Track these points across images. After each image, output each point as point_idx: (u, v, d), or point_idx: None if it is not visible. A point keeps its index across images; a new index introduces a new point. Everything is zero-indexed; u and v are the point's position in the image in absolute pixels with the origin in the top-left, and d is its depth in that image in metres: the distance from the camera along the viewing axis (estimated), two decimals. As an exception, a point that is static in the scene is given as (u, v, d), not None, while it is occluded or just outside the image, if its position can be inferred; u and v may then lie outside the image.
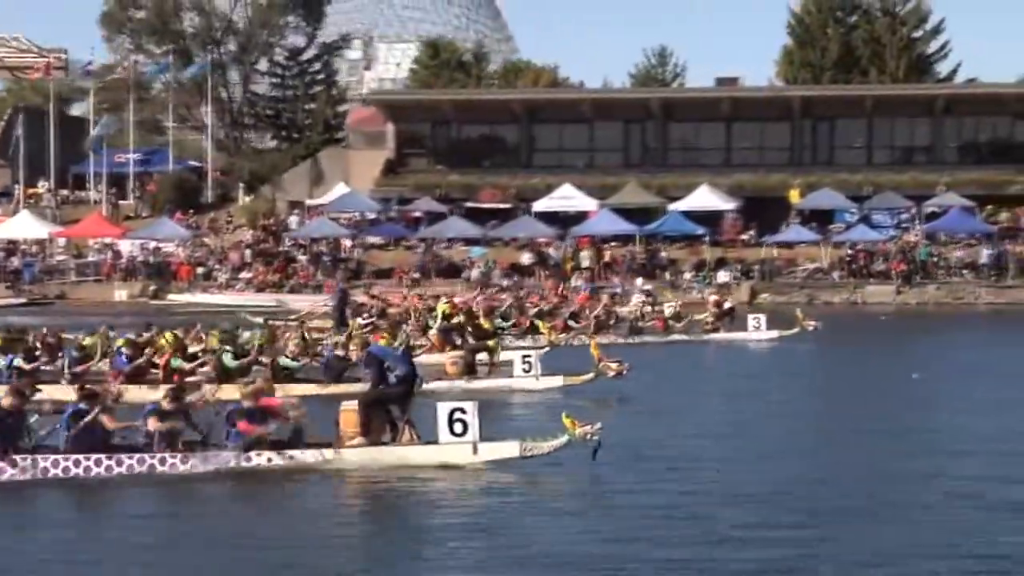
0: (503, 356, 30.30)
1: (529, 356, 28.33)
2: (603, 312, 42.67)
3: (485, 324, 31.69)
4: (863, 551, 13.57)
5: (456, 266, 66.10)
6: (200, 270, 67.63)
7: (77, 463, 17.65)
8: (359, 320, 38.36)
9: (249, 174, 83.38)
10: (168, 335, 28.40)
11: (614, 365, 26.41)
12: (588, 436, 17.25)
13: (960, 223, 67.63)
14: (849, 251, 65.85)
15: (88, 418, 18.00)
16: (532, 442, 17.83)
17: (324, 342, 31.08)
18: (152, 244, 69.09)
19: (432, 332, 33.38)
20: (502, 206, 72.76)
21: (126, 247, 69.84)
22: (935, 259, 63.67)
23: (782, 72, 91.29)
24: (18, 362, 26.85)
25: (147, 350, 27.82)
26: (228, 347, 27.51)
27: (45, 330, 30.62)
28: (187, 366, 26.79)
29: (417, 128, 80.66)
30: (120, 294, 64.55)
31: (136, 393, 23.82)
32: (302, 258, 68.23)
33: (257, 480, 17.62)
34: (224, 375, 26.05)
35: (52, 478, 17.55)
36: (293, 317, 41.65)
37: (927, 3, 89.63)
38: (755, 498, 16.26)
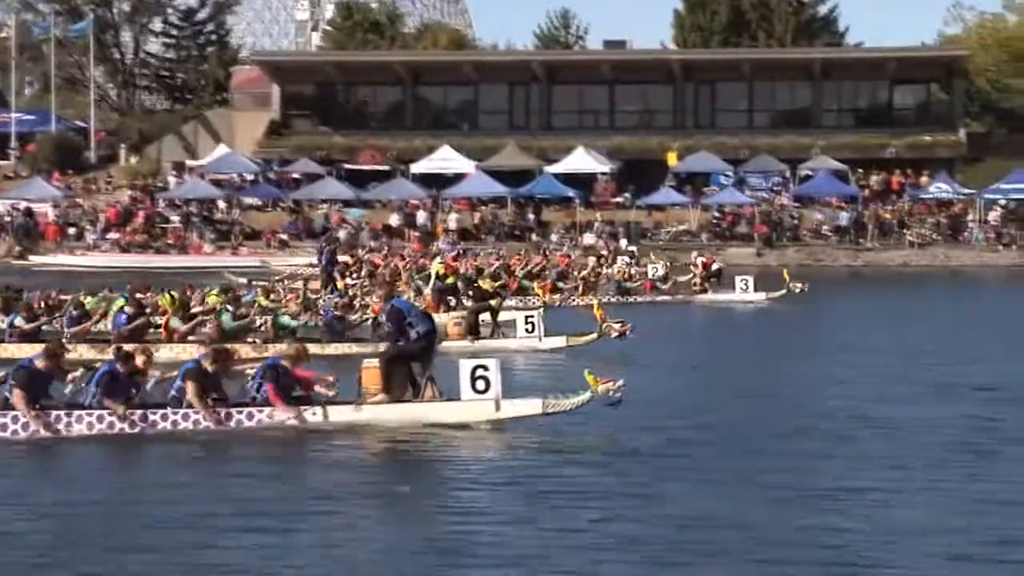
0: (502, 317, 30.22)
1: (532, 317, 28.18)
2: (592, 273, 42.75)
3: (485, 285, 31.89)
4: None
5: (325, 227, 66.18)
6: (72, 231, 67.46)
7: (101, 419, 17.61)
8: (348, 280, 38.21)
9: (139, 135, 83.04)
10: (166, 295, 28.39)
11: (617, 326, 26.31)
12: (611, 392, 17.12)
13: (828, 187, 68.40)
14: (716, 214, 66.48)
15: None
16: (554, 399, 17.62)
17: (321, 302, 31.04)
18: (23, 204, 68.79)
19: (427, 292, 33.55)
20: (381, 168, 72.96)
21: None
22: (795, 221, 64.35)
23: (676, 36, 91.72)
24: (19, 321, 26.42)
25: (148, 310, 27.58)
26: (229, 307, 27.47)
27: (50, 290, 30.62)
28: (184, 327, 26.40)
29: (302, 90, 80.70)
30: (-12, 253, 64.40)
31: None
32: (175, 219, 68.18)
33: (280, 438, 17.52)
34: (224, 335, 25.58)
35: (79, 435, 17.51)
36: (276, 278, 41.28)
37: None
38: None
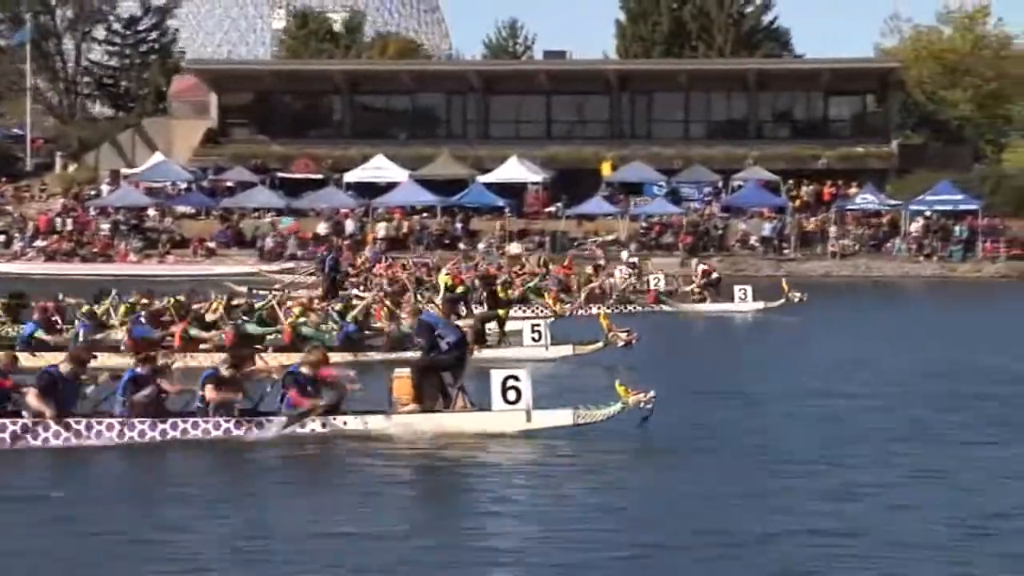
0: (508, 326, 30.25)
1: (539, 325, 28.13)
2: (596, 285, 42.54)
3: (501, 294, 31.99)
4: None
5: (254, 237, 66.33)
6: (1, 238, 67.40)
7: (131, 427, 17.68)
8: (354, 291, 37.77)
9: (79, 142, 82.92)
10: (171, 302, 28.54)
11: (623, 335, 26.34)
12: (641, 404, 17.24)
13: (756, 198, 68.74)
14: (643, 224, 66.78)
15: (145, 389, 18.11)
16: (585, 410, 17.71)
17: (330, 310, 30.91)
18: (-48, 212, 68.71)
19: (437, 302, 33.07)
20: (314, 176, 73.04)
21: (-70, 215, 69.45)
22: (719, 231, 64.69)
23: (618, 46, 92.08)
24: (39, 333, 26.45)
25: (164, 318, 27.79)
26: (246, 316, 27.57)
27: (61, 297, 30.65)
28: (203, 335, 26.47)
29: (240, 98, 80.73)
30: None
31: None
32: (105, 226, 68.13)
33: (309, 446, 17.61)
34: (243, 342, 25.80)
35: (107, 443, 17.58)
36: (277, 287, 41.13)
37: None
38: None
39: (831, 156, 74.07)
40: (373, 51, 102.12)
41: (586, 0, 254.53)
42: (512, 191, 70.96)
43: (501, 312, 30.60)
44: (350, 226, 66.97)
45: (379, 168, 72.45)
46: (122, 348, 25.47)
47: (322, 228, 66.40)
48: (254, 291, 37.37)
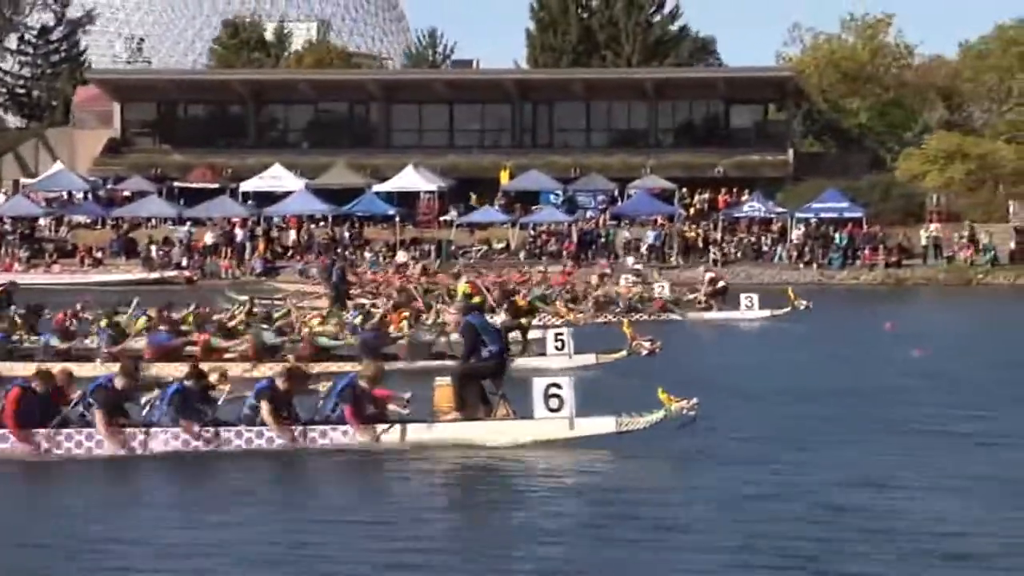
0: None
1: (561, 334, 28.17)
2: (602, 293, 42.81)
3: (521, 303, 32.16)
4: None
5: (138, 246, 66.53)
6: None
7: (176, 436, 17.79)
8: (362, 300, 37.71)
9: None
10: (189, 314, 28.73)
11: (647, 343, 26.27)
12: (684, 411, 17.21)
13: (646, 206, 69.20)
14: (532, 232, 67.19)
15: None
16: (628, 417, 17.62)
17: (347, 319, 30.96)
18: None
19: (453, 311, 33.69)
20: (212, 186, 73.14)
21: None
22: (603, 239, 65.15)
23: (528, 55, 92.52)
24: (54, 341, 26.48)
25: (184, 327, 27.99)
26: (264, 325, 27.64)
27: (79, 307, 30.95)
28: (225, 343, 26.52)
29: (143, 108, 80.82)
30: None
31: (165, 371, 23.43)
32: (-3, 237, 68.14)
33: (354, 456, 17.66)
34: (261, 353, 26.03)
35: (156, 454, 17.74)
36: (279, 296, 40.84)
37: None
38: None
39: (727, 164, 74.65)
40: (290, 60, 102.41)
41: (502, 9, 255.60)
42: (407, 200, 71.31)
43: (524, 321, 30.66)
44: (240, 235, 67.08)
45: (276, 177, 72.54)
46: (143, 356, 25.50)
47: (208, 237, 66.48)
48: (256, 300, 37.60)
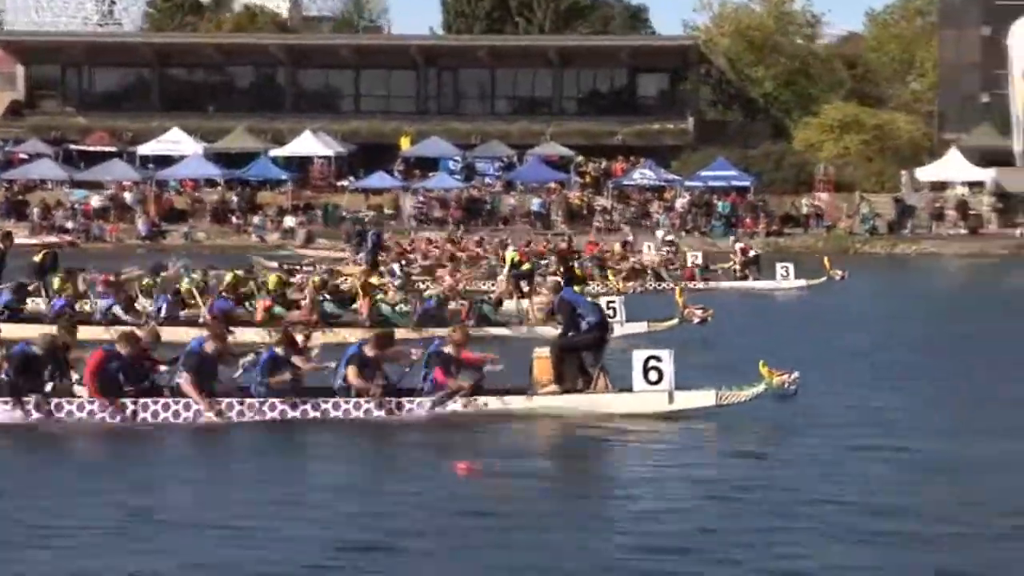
0: None
1: (613, 302, 27.57)
2: (637, 262, 42.90)
3: (578, 271, 32.39)
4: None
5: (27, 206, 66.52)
6: None
7: (272, 407, 17.60)
8: (394, 266, 37.65)
9: None
10: (272, 277, 28.91)
11: (699, 312, 26.01)
12: (786, 384, 17.16)
13: (539, 173, 69.42)
14: (421, 198, 67.33)
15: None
16: (729, 391, 17.53)
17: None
18: None
19: (501, 278, 34.43)
20: (109, 149, 73.00)
21: None
22: (488, 206, 65.34)
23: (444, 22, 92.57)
24: (116, 310, 26.25)
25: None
26: (326, 294, 27.75)
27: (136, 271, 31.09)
28: (287, 314, 26.37)
29: (49, 71, 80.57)
30: None
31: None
32: None
33: (449, 427, 17.44)
34: (324, 321, 26.07)
35: (247, 421, 17.54)
36: (307, 262, 41.22)
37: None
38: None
39: (629, 133, 74.87)
40: (211, 24, 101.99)
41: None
42: (305, 165, 71.42)
43: (577, 289, 30.18)
44: (129, 198, 67.06)
45: (174, 141, 72.54)
46: (201, 322, 25.53)
47: (95, 201, 66.42)
48: (285, 266, 37.81)
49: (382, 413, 17.71)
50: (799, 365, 18.16)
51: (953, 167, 66.73)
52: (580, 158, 71.63)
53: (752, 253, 45.07)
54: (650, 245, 49.82)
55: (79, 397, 17.54)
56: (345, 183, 70.71)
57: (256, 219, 65.58)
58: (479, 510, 13.15)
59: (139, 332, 18.70)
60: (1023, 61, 67.00)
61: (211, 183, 70.74)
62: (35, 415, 17.36)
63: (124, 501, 13.57)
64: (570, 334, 18.76)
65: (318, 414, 17.64)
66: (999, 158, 67.37)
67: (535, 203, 65.26)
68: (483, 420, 17.62)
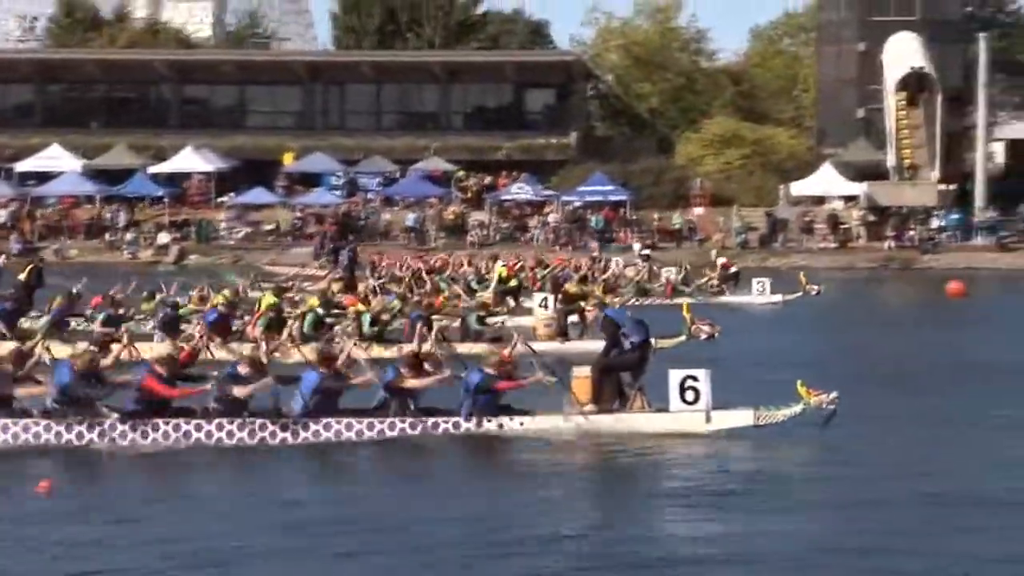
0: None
1: None
2: (612, 276, 42.05)
3: (572, 289, 31.88)
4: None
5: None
6: None
7: (306, 427, 17.41)
8: (373, 281, 36.96)
9: None
10: (268, 296, 28.34)
11: (706, 327, 25.66)
12: (824, 404, 16.97)
13: (418, 188, 69.56)
14: (298, 214, 67.20)
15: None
16: (766, 410, 17.42)
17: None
18: None
19: (487, 293, 34.10)
20: (-14, 166, 72.38)
21: None
22: (362, 222, 65.35)
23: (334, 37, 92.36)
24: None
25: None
26: (320, 309, 27.36)
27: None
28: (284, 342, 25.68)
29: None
30: None
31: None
32: None
33: (486, 445, 17.40)
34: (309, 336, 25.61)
35: (289, 444, 17.39)
36: (281, 278, 40.46)
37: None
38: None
39: (513, 148, 75.09)
40: (103, 39, 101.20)
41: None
42: (184, 181, 71.10)
43: (581, 304, 30.09)
44: (2, 215, 66.47)
45: (52, 158, 72.06)
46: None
47: (-33, 218, 65.77)
48: (260, 283, 37.27)
49: (416, 432, 17.65)
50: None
51: (827, 181, 67.45)
52: (461, 173, 71.76)
53: (732, 269, 45.46)
54: (618, 260, 49.67)
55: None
56: (224, 199, 70.49)
57: (129, 235, 65.12)
58: (506, 530, 13.19)
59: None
60: (896, 77, 67.75)
61: (90, 199, 70.34)
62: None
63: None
64: (613, 353, 18.74)
65: (352, 435, 17.56)
66: (875, 172, 68.19)
67: (410, 218, 65.30)
68: (518, 440, 17.61)
